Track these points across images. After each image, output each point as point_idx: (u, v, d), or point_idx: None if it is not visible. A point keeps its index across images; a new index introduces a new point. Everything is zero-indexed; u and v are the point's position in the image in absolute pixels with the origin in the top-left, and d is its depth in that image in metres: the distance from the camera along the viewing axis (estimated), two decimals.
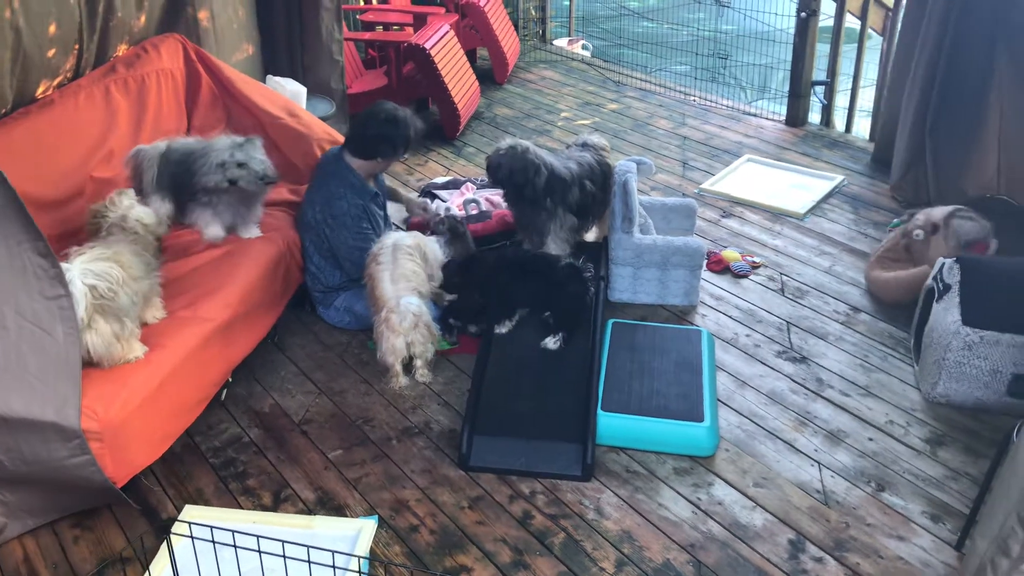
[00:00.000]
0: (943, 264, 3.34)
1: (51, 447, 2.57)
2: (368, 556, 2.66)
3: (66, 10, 3.65)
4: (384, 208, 3.90)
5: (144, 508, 2.89)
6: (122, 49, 4.05)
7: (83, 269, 2.73)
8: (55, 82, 3.73)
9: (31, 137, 3.44)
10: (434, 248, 3.60)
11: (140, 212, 3.25)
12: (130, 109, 3.90)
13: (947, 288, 3.24)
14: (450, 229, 3.90)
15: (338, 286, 3.77)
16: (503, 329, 3.59)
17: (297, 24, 4.98)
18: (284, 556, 2.09)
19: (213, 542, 2.15)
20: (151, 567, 2.58)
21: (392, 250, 3.43)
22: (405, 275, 3.39)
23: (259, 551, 2.12)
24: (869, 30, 5.72)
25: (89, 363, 2.77)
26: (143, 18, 4.12)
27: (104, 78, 3.86)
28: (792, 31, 5.76)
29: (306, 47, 5.04)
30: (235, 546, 2.14)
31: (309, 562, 2.08)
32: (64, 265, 2.71)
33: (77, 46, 3.78)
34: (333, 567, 2.13)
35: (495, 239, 4.27)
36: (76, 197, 3.54)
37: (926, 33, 4.46)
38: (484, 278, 3.58)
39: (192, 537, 2.20)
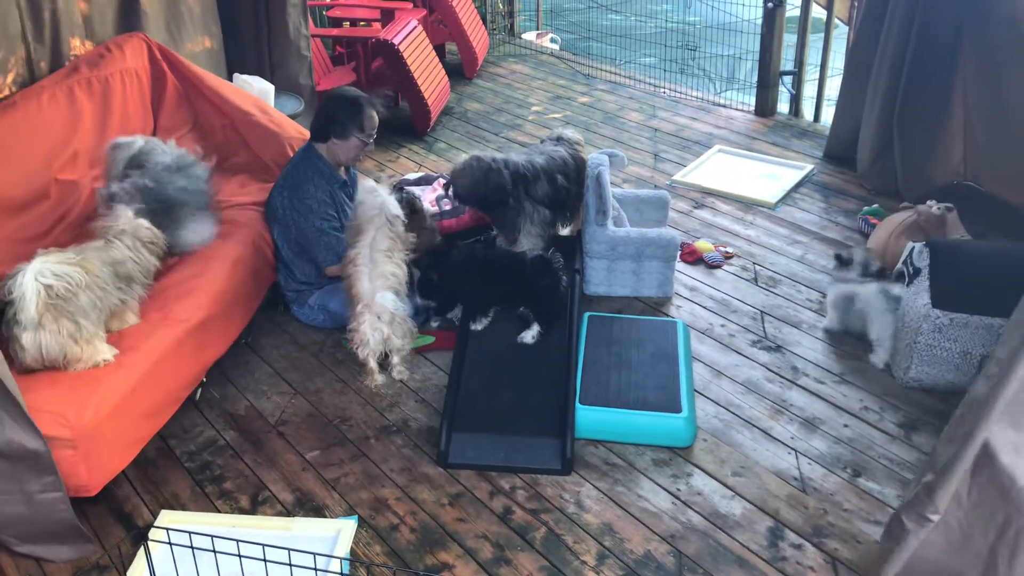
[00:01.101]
0: (912, 248, 3.38)
1: None
2: (348, 557, 2.64)
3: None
4: (353, 199, 3.85)
5: (119, 515, 2.85)
6: (76, 43, 3.96)
7: (41, 268, 2.73)
8: (7, 79, 3.64)
9: None
10: (395, 206, 3.51)
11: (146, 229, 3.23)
12: (94, 110, 3.83)
13: (917, 272, 3.27)
14: (408, 204, 3.77)
15: (309, 282, 3.73)
16: (478, 326, 3.58)
17: (264, 21, 4.93)
18: (264, 560, 2.07)
19: (192, 548, 2.12)
20: (128, 575, 2.55)
21: (370, 253, 3.40)
22: (384, 275, 3.36)
23: (239, 555, 2.10)
24: (835, 19, 5.76)
25: (53, 367, 2.76)
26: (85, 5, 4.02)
27: (67, 78, 3.78)
28: (758, 21, 5.79)
29: (273, 44, 4.99)
30: (214, 551, 2.12)
31: (291, 565, 2.06)
32: (22, 264, 2.72)
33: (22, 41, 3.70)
34: (315, 569, 2.10)
35: (468, 235, 4.26)
36: (41, 200, 3.48)
37: (891, 21, 4.50)
38: (454, 278, 3.57)
39: (170, 543, 2.17)
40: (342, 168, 3.74)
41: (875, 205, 4.53)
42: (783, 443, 3.12)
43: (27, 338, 2.71)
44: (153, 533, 2.57)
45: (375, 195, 3.46)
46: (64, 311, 2.75)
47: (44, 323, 2.71)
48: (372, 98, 3.68)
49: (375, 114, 3.63)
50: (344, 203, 3.70)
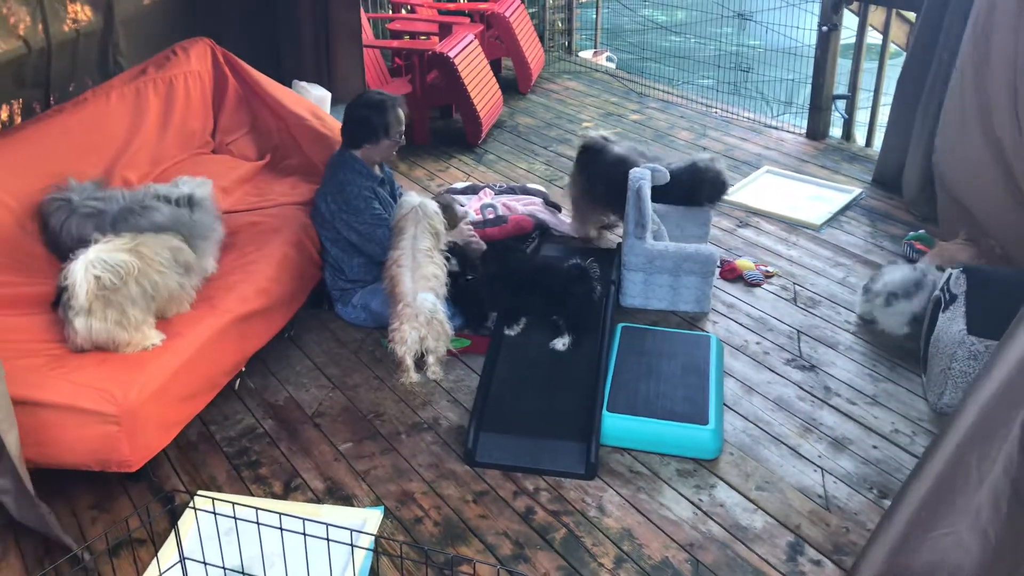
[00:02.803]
0: (950, 275, 3.35)
1: None
2: (375, 534, 2.72)
3: None
4: (393, 195, 3.96)
5: (158, 492, 2.98)
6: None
7: (94, 259, 2.88)
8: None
9: (63, 134, 3.57)
10: (433, 205, 3.64)
11: None
12: (159, 109, 4.03)
13: (953, 298, 3.25)
14: (440, 204, 3.81)
15: (357, 278, 3.84)
16: (512, 332, 3.65)
17: (323, 29, 5.10)
18: (304, 533, 2.18)
19: (235, 518, 2.22)
20: (162, 549, 2.67)
21: (412, 253, 3.51)
22: (425, 276, 3.46)
23: (281, 528, 2.21)
24: (892, 45, 5.73)
25: (104, 349, 2.92)
26: None
27: (135, 79, 3.99)
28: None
29: (331, 53, 5.16)
30: (257, 523, 2.23)
31: (328, 540, 2.15)
32: (77, 253, 2.90)
33: None
34: (351, 545, 2.19)
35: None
36: None
37: (941, 52, 4.47)
38: (491, 282, 3.69)
39: (215, 513, 2.28)
40: (376, 166, 3.86)
41: (921, 231, 4.49)
42: (810, 461, 3.12)
43: (79, 323, 2.87)
44: (193, 501, 2.68)
45: (412, 197, 3.61)
46: (112, 301, 2.89)
47: (94, 310, 2.87)
48: (395, 99, 3.81)
49: (401, 113, 3.78)
50: (386, 199, 3.82)
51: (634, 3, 10.49)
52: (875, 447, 3.17)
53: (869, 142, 5.84)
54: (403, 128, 3.81)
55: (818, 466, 3.09)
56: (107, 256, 2.92)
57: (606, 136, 4.44)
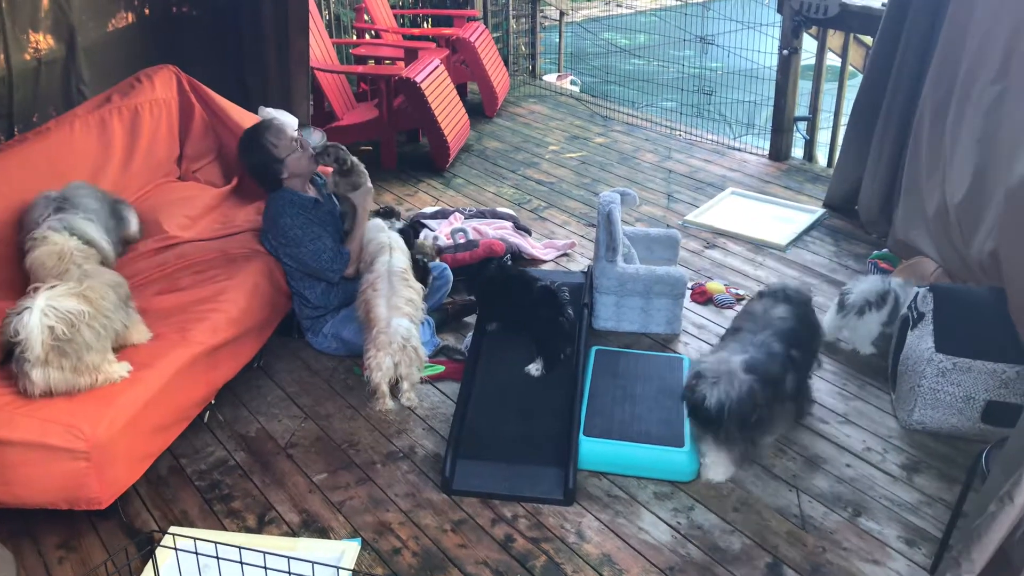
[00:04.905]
0: (917, 293, 3.41)
1: None
2: (349, 568, 2.68)
3: None
4: (334, 206, 3.91)
5: (129, 530, 2.91)
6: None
7: (45, 307, 2.77)
8: None
9: (26, 164, 3.50)
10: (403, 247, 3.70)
11: None
12: (124, 138, 3.98)
13: (921, 316, 3.31)
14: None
15: (321, 304, 3.81)
16: (491, 327, 3.75)
17: (286, 58, 5.06)
18: (289, 572, 2.13)
19: (217, 557, 2.18)
20: None
21: (388, 277, 3.50)
22: (399, 304, 3.44)
23: (264, 566, 2.16)
24: (850, 67, 5.86)
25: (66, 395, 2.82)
26: None
27: (99, 108, 3.94)
28: (775, 69, 5.89)
29: (290, 80, 5.12)
30: (241, 562, 2.18)
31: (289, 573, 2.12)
32: (25, 303, 2.77)
33: None
34: None
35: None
36: None
37: (898, 72, 4.57)
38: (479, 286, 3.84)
39: (177, 550, 2.23)
40: (309, 187, 3.82)
41: (884, 250, 4.58)
42: (784, 480, 3.14)
43: (36, 375, 2.76)
44: (163, 540, 2.63)
45: (380, 235, 3.67)
46: (67, 351, 2.78)
47: (50, 360, 2.76)
48: (259, 126, 3.74)
49: (279, 124, 3.72)
50: (325, 216, 3.79)
51: (596, 27, 10.63)
52: (848, 465, 3.21)
53: (831, 162, 5.95)
54: (293, 133, 3.74)
55: (793, 486, 3.12)
56: (56, 303, 2.80)
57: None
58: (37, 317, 2.74)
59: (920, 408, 3.28)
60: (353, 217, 3.83)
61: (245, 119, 4.38)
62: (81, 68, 4.23)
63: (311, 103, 5.26)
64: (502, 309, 3.76)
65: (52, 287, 2.88)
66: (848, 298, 3.80)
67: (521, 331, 3.66)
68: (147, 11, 4.66)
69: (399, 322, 3.37)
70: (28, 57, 3.97)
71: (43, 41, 4.02)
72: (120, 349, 3.04)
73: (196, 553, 2.29)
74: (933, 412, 3.26)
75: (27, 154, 3.56)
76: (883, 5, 4.93)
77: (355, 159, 3.90)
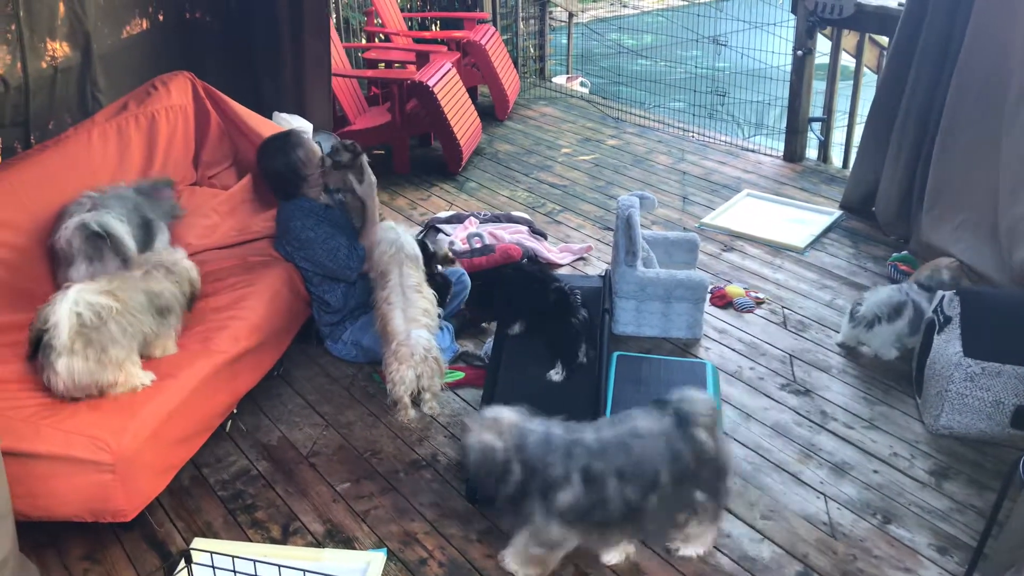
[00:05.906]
0: (943, 296, 3.38)
1: None
2: None
3: None
4: (345, 213, 3.88)
5: (153, 542, 2.90)
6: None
7: (76, 298, 2.84)
8: None
9: (46, 173, 3.49)
10: (416, 253, 3.66)
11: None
12: (141, 145, 3.96)
13: (948, 320, 3.28)
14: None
15: (342, 307, 3.79)
16: (513, 331, 3.68)
17: (301, 63, 5.05)
18: None
19: (234, 572, 2.16)
20: None
21: (401, 290, 3.48)
22: (416, 314, 3.43)
23: None
24: (864, 68, 5.83)
25: (88, 395, 2.83)
26: None
27: (116, 115, 3.92)
28: (786, 68, 5.87)
29: (307, 85, 5.11)
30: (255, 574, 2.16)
31: None
32: (57, 296, 2.84)
33: None
34: None
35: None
36: None
37: (916, 74, 4.54)
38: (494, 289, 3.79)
39: (213, 567, 2.20)
40: (320, 194, 3.81)
41: (904, 252, 4.55)
42: (812, 487, 3.11)
43: (61, 364, 2.79)
44: (194, 556, 2.61)
45: (390, 234, 3.60)
46: (93, 340, 2.83)
47: (75, 349, 2.79)
48: (292, 137, 3.75)
49: (311, 145, 3.75)
50: (335, 221, 3.77)
51: (602, 28, 10.61)
52: (876, 471, 3.18)
53: (846, 163, 5.92)
54: (319, 157, 3.74)
55: (821, 492, 3.09)
56: (87, 296, 2.87)
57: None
58: (67, 305, 2.81)
59: (947, 413, 3.25)
60: (363, 212, 3.81)
61: (261, 125, 4.37)
62: (97, 75, 4.21)
63: (333, 108, 5.23)
64: (518, 310, 3.70)
65: (83, 284, 2.95)
66: (858, 310, 3.78)
67: (536, 334, 3.63)
68: (161, 17, 4.64)
69: (419, 334, 3.35)
70: (44, 65, 3.95)
71: (59, 48, 4.00)
72: (145, 359, 3.03)
73: (213, 567, 2.26)
74: (961, 417, 3.23)
75: (47, 163, 3.53)
76: (900, 5, 4.90)
77: (352, 158, 3.81)
